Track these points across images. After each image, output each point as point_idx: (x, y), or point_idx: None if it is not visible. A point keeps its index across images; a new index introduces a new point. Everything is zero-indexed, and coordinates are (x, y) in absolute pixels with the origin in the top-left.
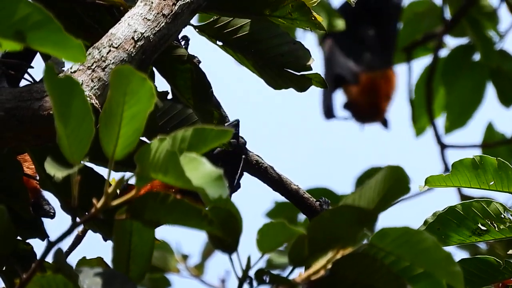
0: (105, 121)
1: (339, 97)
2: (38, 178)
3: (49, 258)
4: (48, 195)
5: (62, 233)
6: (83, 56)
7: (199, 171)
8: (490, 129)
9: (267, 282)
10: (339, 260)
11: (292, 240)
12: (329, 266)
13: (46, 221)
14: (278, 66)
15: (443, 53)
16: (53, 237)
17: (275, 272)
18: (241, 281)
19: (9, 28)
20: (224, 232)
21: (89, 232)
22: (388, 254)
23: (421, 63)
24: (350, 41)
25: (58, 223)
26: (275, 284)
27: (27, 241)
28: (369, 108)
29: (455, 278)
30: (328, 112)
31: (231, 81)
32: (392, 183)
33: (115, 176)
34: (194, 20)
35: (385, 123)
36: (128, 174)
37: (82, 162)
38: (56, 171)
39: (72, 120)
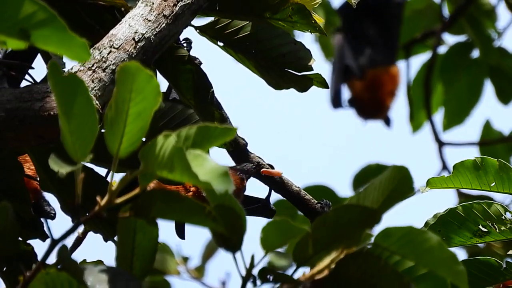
0: (111, 118)
1: (346, 92)
2: (38, 179)
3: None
4: (49, 196)
5: (65, 231)
6: (87, 55)
7: (205, 166)
8: (487, 126)
9: (271, 281)
10: (343, 260)
11: (295, 238)
12: (333, 265)
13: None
14: (279, 67)
15: (442, 50)
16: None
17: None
18: (244, 280)
19: (13, 26)
20: (228, 231)
21: (89, 234)
22: (392, 254)
23: (420, 60)
24: (357, 38)
25: (58, 224)
26: (279, 282)
27: (27, 241)
28: (372, 104)
29: (459, 277)
30: (336, 102)
31: (232, 82)
32: (396, 184)
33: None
34: (195, 21)
35: (387, 121)
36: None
37: (85, 160)
38: (60, 167)
39: (76, 118)
